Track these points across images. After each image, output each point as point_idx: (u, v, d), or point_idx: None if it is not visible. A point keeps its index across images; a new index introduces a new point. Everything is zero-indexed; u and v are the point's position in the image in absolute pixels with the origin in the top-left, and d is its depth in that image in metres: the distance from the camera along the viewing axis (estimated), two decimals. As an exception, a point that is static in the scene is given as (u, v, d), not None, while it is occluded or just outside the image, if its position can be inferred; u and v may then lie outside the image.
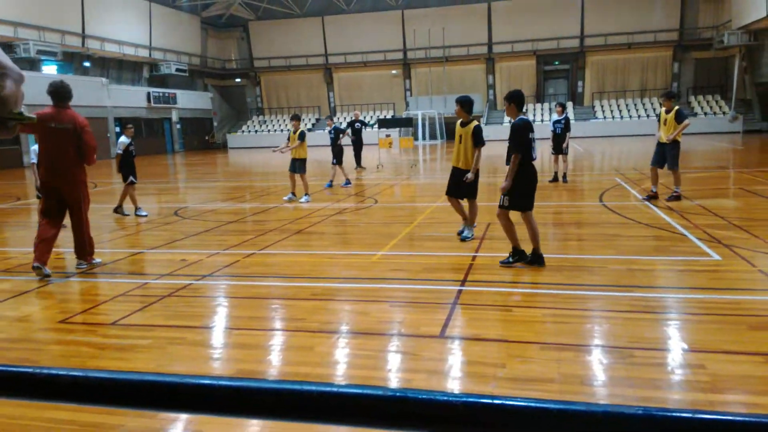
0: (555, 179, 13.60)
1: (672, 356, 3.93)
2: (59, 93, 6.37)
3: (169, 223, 10.15)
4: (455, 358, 4.07)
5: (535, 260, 6.24)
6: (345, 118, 42.13)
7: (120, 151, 11.04)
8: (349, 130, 19.47)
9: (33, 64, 29.51)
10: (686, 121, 10.07)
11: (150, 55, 38.54)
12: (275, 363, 4.16)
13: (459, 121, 7.65)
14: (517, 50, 41.20)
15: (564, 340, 4.19)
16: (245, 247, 7.78)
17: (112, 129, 33.57)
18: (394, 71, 43.96)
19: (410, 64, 43.30)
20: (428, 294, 5.50)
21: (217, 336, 4.78)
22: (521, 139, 6.17)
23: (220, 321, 5.16)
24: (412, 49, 42.41)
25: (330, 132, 15.07)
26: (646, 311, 4.79)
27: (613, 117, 38.31)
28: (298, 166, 12.15)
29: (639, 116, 37.65)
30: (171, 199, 14.65)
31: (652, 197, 10.33)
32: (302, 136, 12.09)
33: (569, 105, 39.88)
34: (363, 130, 19.31)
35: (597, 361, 3.87)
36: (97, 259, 6.91)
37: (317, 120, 44.49)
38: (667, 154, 10.26)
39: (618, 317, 4.70)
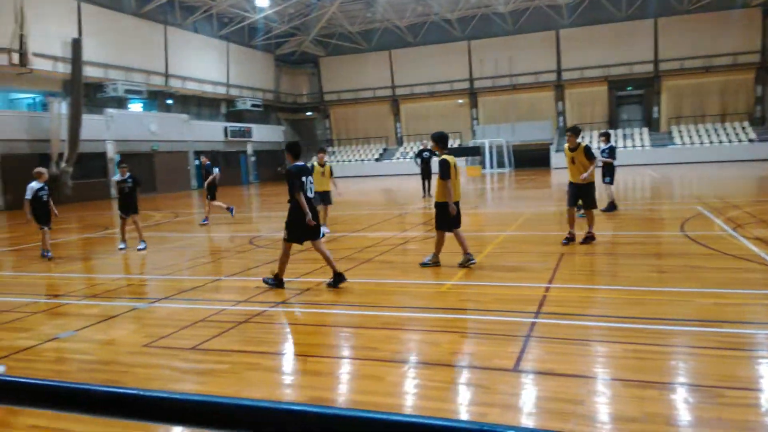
0: (610, 208, 13.20)
1: (767, 397, 3.66)
2: None
3: (245, 251, 10.50)
4: (530, 392, 3.95)
5: None
6: (412, 148, 42.50)
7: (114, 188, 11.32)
8: (418, 160, 19.64)
9: (121, 102, 31.70)
10: (596, 160, 9.31)
11: (227, 92, 40.57)
12: (346, 391, 4.18)
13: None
14: (587, 76, 40.41)
15: (647, 377, 3.98)
16: (316, 275, 7.93)
17: (192, 162, 35.39)
18: (460, 100, 44.11)
19: (477, 93, 43.33)
20: (500, 325, 5.40)
21: (291, 363, 4.87)
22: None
23: (293, 348, 5.26)
24: (479, 78, 42.49)
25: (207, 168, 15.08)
26: (736, 348, 4.49)
27: (691, 142, 36.64)
28: (326, 197, 12.22)
29: (720, 141, 35.82)
30: (246, 228, 15.18)
31: (570, 240, 9.21)
32: (331, 171, 12.43)
33: (644, 131, 38.56)
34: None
35: (683, 401, 3.66)
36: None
37: (384, 150, 45.15)
38: (582, 195, 9.22)
39: (705, 354, 4.43)
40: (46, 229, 10.63)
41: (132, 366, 4.76)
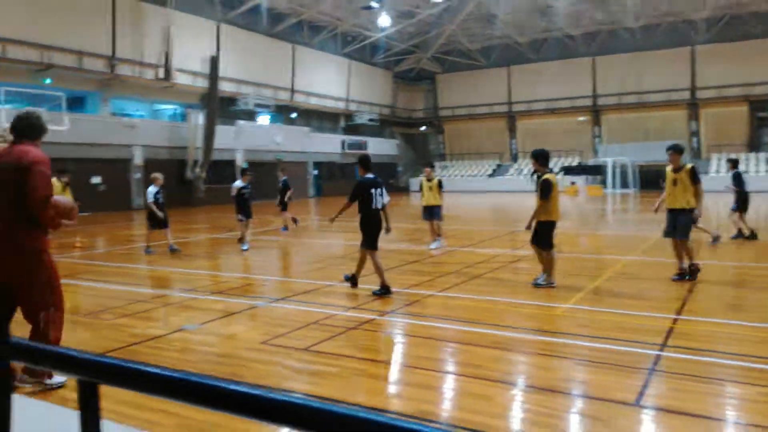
0: (737, 236, 12.26)
1: None
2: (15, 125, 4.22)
3: (356, 259, 10.73)
4: (652, 430, 3.65)
5: None
6: (527, 165, 41.47)
7: (233, 194, 12.46)
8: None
9: (250, 115, 33.95)
10: (701, 186, 7.96)
11: (346, 106, 42.10)
12: (452, 408, 4.11)
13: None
14: (725, 95, 37.30)
15: (793, 427, 3.53)
16: (424, 287, 7.91)
17: (310, 172, 37.05)
18: (581, 117, 42.44)
19: (600, 111, 41.48)
20: (620, 356, 5.05)
21: (397, 372, 4.88)
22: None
23: (400, 358, 5.27)
24: (603, 95, 40.65)
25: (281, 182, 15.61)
26: None
27: None
28: (436, 212, 12.07)
29: None
30: (359, 236, 15.55)
31: (682, 276, 8.03)
32: (440, 184, 12.20)
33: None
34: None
35: (840, 459, 3.20)
36: (58, 379, 4.17)
37: (498, 166, 44.43)
38: (676, 222, 8.02)
39: None
40: (167, 229, 11.87)
41: (250, 361, 5.01)
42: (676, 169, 7.98)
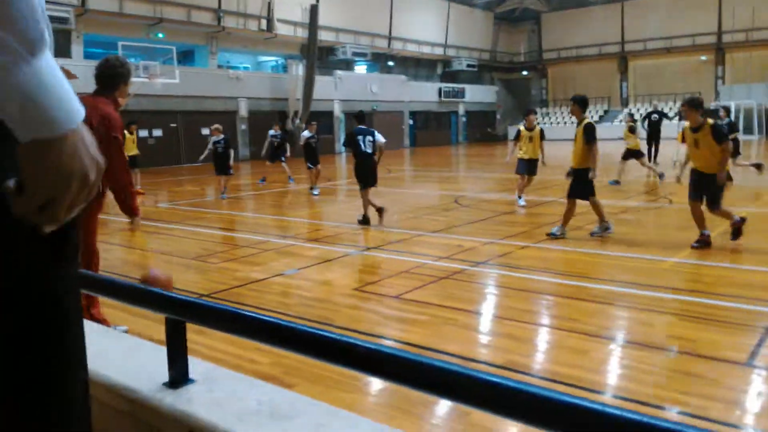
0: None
1: None
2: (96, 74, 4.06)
3: (449, 210, 10.66)
4: (765, 391, 3.37)
5: None
6: (639, 110, 38.70)
7: (302, 143, 13.40)
8: (645, 123, 17.82)
9: (348, 65, 34.06)
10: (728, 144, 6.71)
11: (444, 52, 40.99)
12: (545, 360, 4.02)
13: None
14: None
15: None
16: (519, 239, 7.71)
17: (406, 122, 36.82)
18: (703, 57, 38.62)
19: (725, 49, 37.48)
20: (732, 313, 4.67)
21: (488, 323, 4.83)
22: None
23: (491, 309, 5.21)
24: (729, 31, 36.61)
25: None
26: None
27: None
28: (533, 167, 10.57)
29: None
30: (452, 187, 15.40)
31: (703, 243, 6.79)
32: (543, 134, 10.60)
33: None
34: (661, 122, 17.46)
35: None
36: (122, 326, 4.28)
37: (606, 111, 41.82)
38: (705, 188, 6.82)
39: None
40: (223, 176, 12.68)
41: (343, 306, 5.16)
42: (695, 128, 6.80)
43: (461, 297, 5.35)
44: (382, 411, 3.20)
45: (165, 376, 1.47)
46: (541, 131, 10.67)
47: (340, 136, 32.61)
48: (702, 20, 37.61)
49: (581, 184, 7.56)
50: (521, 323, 4.66)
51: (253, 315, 1.18)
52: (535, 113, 11.30)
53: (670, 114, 24.50)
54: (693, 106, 6.86)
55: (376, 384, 3.48)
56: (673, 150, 20.50)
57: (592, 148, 7.46)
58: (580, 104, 7.73)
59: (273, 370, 3.68)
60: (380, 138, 8.95)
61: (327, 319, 4.73)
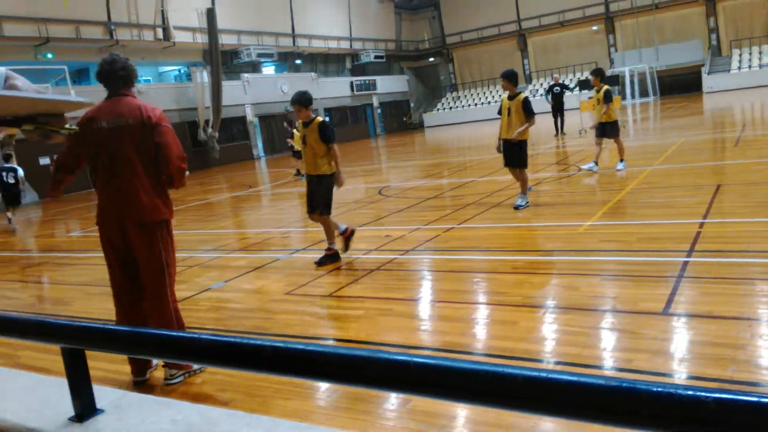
0: None
1: None
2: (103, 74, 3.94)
3: (375, 202, 10.71)
4: (683, 337, 3.61)
5: None
6: (542, 84, 40.34)
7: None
8: (549, 96, 18.59)
9: (255, 67, 33.34)
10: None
11: (351, 46, 41.01)
12: (479, 337, 4.11)
13: (506, 95, 8.13)
14: (745, -16, 35.24)
15: (828, 320, 3.45)
16: (445, 222, 7.86)
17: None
18: (594, 27, 40.71)
19: (613, 17, 39.65)
20: (647, 266, 4.97)
21: (423, 308, 4.89)
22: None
23: (424, 294, 5.28)
24: (615, 0, 38.77)
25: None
26: None
27: None
28: (609, 129, 10.57)
29: None
30: (375, 179, 15.45)
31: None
32: (608, 96, 10.24)
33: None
34: (563, 94, 18.26)
35: None
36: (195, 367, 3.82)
37: (513, 90, 43.26)
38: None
39: None
40: None
41: (276, 313, 5.07)
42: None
43: (394, 286, 5.39)
44: (324, 413, 3.17)
45: (71, 410, 1.38)
46: (607, 91, 10.31)
47: (257, 141, 31.98)
48: (590, -9, 39.61)
49: (523, 154, 7.99)
50: (454, 304, 4.75)
51: (152, 332, 1.12)
52: (601, 73, 10.76)
53: (571, 85, 25.59)
54: (509, 78, 7.96)
55: (321, 387, 3.44)
56: (577, 120, 21.53)
57: (530, 120, 7.87)
58: (510, 79, 7.96)
59: (205, 389, 3.56)
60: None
61: (261, 328, 4.63)
